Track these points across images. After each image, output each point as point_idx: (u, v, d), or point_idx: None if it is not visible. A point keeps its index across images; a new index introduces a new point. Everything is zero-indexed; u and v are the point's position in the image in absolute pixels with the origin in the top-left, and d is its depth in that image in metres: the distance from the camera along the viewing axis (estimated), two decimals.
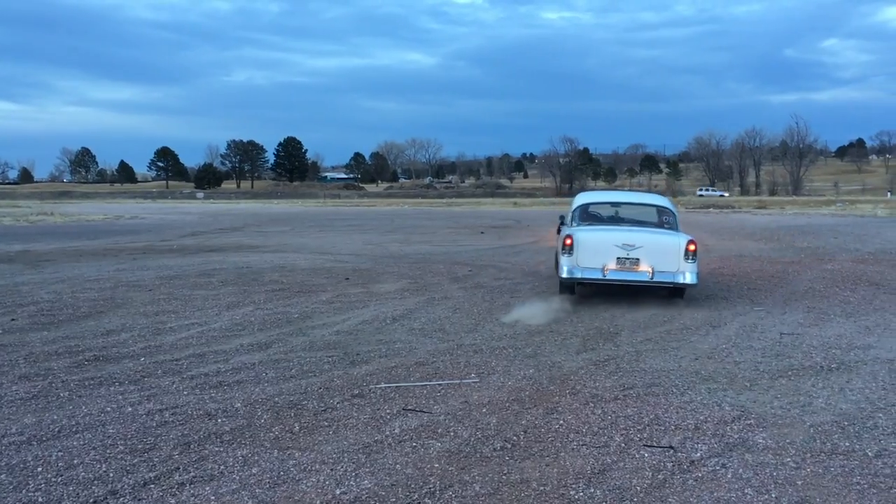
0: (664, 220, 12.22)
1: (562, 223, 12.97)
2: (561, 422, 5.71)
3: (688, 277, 10.74)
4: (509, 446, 5.21)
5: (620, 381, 6.83)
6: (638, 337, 8.77)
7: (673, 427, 5.59)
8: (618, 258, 10.78)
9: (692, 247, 10.83)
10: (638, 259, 10.76)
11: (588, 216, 12.37)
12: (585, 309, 10.57)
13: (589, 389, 6.58)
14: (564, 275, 11.00)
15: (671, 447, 5.15)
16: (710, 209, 51.44)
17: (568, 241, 11.02)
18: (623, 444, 5.22)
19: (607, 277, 10.80)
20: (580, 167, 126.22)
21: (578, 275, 10.92)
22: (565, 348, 8.22)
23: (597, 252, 10.88)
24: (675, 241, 11.02)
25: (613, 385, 6.71)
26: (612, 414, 5.89)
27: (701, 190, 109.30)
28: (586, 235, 11.21)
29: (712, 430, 5.49)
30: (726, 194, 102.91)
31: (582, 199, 12.95)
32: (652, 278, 10.72)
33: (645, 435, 5.42)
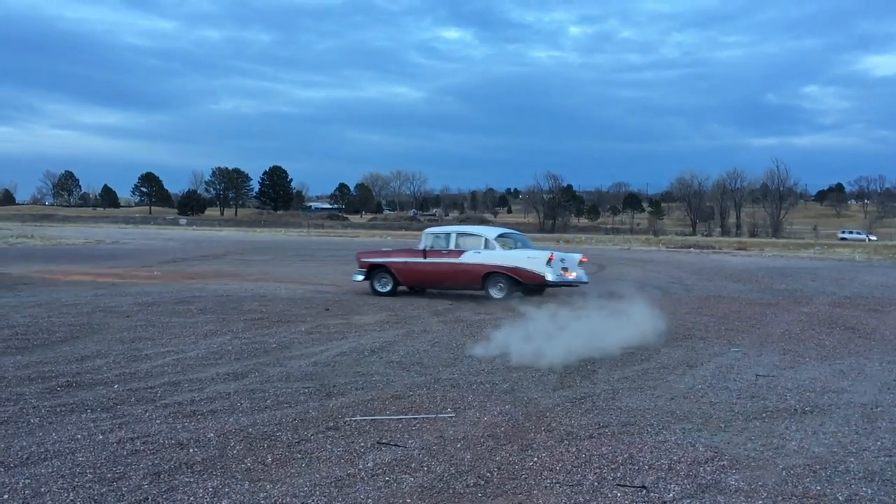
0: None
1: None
2: (535, 459, 5.70)
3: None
4: (482, 482, 5.19)
5: (596, 419, 6.83)
6: (615, 375, 8.80)
7: (647, 467, 5.59)
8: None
9: None
10: None
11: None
12: (562, 346, 10.57)
13: (564, 427, 6.58)
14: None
15: (644, 487, 5.15)
16: (691, 249, 51.86)
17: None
18: (596, 483, 5.22)
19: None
20: (564, 204, 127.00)
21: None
22: (542, 385, 8.22)
23: None
24: None
25: (589, 423, 6.71)
26: (587, 452, 5.89)
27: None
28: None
29: (685, 471, 5.50)
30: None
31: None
32: None
33: (618, 474, 5.42)
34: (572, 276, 16.82)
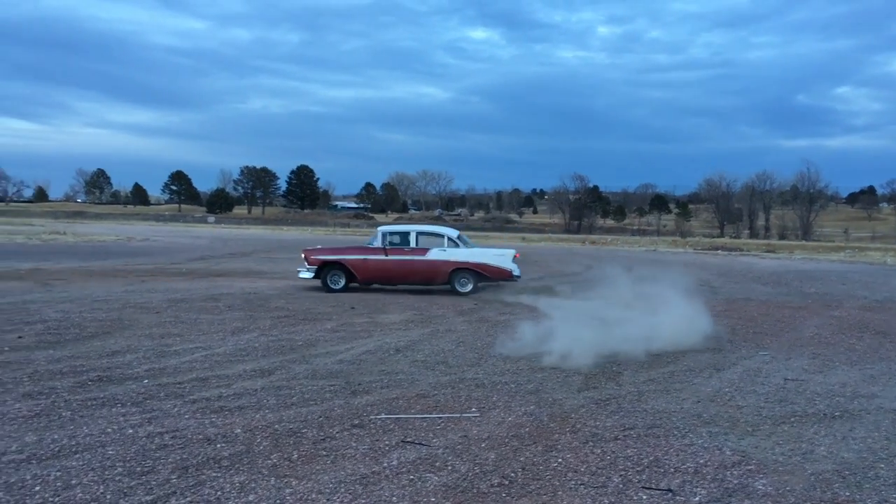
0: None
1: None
2: (559, 460, 5.69)
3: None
4: (506, 483, 5.19)
5: (621, 421, 6.81)
6: (641, 377, 8.75)
7: (672, 470, 5.56)
8: None
9: None
10: None
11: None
12: (588, 346, 10.53)
13: (589, 428, 6.56)
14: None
15: (670, 490, 5.13)
16: (719, 251, 51.34)
17: None
18: (621, 486, 5.20)
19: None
20: (589, 204, 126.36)
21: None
22: (567, 386, 8.20)
23: None
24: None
25: (614, 425, 6.69)
26: (612, 454, 5.87)
27: None
28: None
29: (712, 475, 5.46)
30: None
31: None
32: None
33: (644, 477, 5.39)
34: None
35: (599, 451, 5.94)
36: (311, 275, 17.80)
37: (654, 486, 5.19)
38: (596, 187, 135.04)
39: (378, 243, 17.78)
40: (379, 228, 18.59)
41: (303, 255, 18.24)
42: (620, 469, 5.53)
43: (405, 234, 17.89)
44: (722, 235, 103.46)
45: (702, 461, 5.76)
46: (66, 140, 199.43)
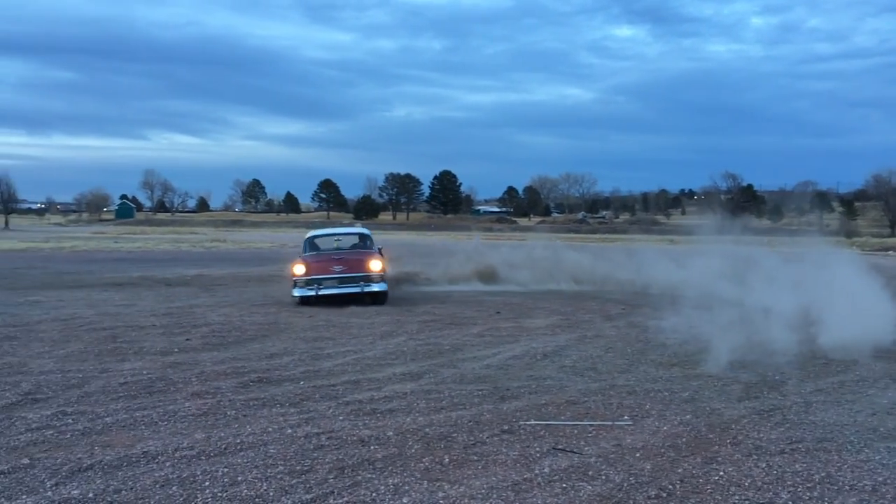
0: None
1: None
2: (721, 473, 5.41)
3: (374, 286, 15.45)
4: (664, 495, 4.99)
5: (787, 434, 6.39)
6: (807, 387, 8.20)
7: (847, 487, 5.16)
8: None
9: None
10: None
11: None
12: (749, 353, 10.02)
13: (752, 440, 6.21)
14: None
15: None
16: (890, 252, 47.71)
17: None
18: (790, 503, 4.87)
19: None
20: (743, 204, 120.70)
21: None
22: (726, 394, 7.81)
23: None
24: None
25: (779, 437, 6.29)
26: (778, 468, 5.52)
27: None
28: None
29: (893, 494, 5.02)
30: None
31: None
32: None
33: (815, 494, 5.03)
34: None
35: (764, 464, 5.59)
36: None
37: None
38: (750, 186, 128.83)
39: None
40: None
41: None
42: (789, 485, 5.18)
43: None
44: (893, 235, 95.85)
45: (880, 479, 5.31)
46: (226, 153, 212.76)
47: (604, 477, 5.31)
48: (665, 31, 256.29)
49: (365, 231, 18.74)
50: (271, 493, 4.91)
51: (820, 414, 7.06)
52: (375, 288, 15.45)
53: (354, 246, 17.63)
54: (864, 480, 5.28)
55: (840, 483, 5.24)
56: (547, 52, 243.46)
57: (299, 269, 15.39)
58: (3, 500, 4.78)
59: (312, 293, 15.10)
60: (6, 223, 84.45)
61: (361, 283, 15.38)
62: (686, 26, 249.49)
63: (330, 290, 15.24)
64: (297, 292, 15.24)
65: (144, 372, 8.44)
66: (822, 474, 5.40)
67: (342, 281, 15.34)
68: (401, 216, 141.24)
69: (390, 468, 5.44)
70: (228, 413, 6.86)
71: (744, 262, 18.36)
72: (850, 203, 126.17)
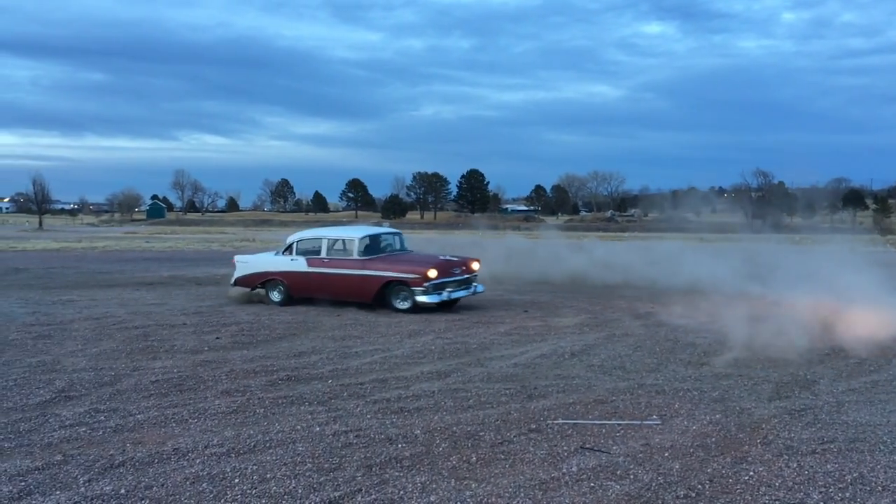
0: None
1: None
2: (751, 473, 5.36)
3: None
4: (693, 495, 4.95)
5: (819, 434, 6.31)
6: (839, 386, 8.09)
7: (880, 488, 5.08)
8: None
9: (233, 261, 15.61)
10: None
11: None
12: (776, 352, 9.90)
13: (783, 440, 6.13)
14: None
15: None
16: None
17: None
18: (822, 503, 4.81)
19: None
20: (774, 202, 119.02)
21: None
22: (756, 394, 7.73)
23: None
24: None
25: (811, 437, 6.21)
26: (810, 469, 5.45)
27: None
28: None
29: None
30: None
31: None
32: None
33: (847, 495, 4.96)
34: None
35: (795, 465, 5.53)
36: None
37: None
38: (781, 183, 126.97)
39: None
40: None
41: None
42: (820, 485, 5.12)
43: None
44: None
45: None
46: (255, 153, 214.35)
47: (632, 476, 5.28)
48: (695, 27, 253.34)
49: (397, 231, 17.90)
50: (300, 491, 4.95)
51: (852, 414, 6.96)
52: (480, 289, 14.94)
53: (401, 247, 16.00)
54: None
55: (873, 483, 5.16)
56: (575, 49, 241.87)
57: (433, 273, 13.70)
58: (37, 495, 4.87)
59: (442, 298, 13.76)
60: (40, 223, 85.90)
61: (472, 284, 14.76)
62: (716, 22, 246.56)
63: (454, 293, 14.13)
64: (426, 298, 13.59)
65: (175, 370, 8.54)
66: (855, 475, 5.33)
67: (460, 284, 14.38)
68: (428, 215, 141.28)
69: (418, 466, 5.46)
70: (258, 411, 6.92)
71: (771, 258, 18.17)
72: (884, 200, 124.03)
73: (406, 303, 13.94)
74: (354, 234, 14.95)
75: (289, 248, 15.10)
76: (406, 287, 13.93)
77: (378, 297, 14.10)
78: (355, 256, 14.30)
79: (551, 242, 30.99)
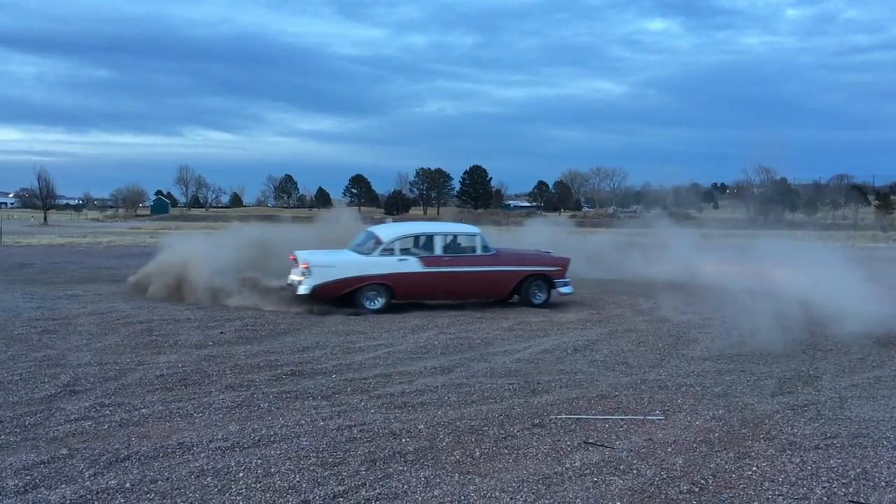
0: (367, 244, 13.82)
1: None
2: (754, 468, 5.37)
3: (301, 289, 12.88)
4: (696, 490, 4.96)
5: (822, 429, 6.32)
6: (842, 382, 8.10)
7: (884, 484, 5.09)
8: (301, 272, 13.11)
9: (305, 265, 12.97)
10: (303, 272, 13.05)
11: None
12: (780, 349, 9.91)
13: (786, 436, 6.15)
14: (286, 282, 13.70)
15: None
16: None
17: (292, 258, 13.70)
18: (825, 499, 4.83)
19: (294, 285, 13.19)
20: (776, 198, 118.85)
21: (289, 281, 13.56)
22: (758, 389, 7.74)
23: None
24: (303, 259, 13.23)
25: (814, 433, 6.22)
26: (813, 464, 5.46)
27: None
28: (297, 254, 13.62)
29: None
30: None
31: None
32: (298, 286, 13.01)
33: (850, 490, 4.97)
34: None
35: (798, 460, 5.54)
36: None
37: (863, 501, 4.77)
38: (784, 179, 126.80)
39: None
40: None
41: None
42: (823, 481, 5.13)
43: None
44: None
45: None
46: (259, 149, 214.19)
47: (635, 471, 5.30)
48: (698, 23, 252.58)
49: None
50: (304, 485, 4.97)
51: (855, 409, 6.97)
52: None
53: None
54: None
55: (876, 479, 5.18)
56: (578, 46, 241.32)
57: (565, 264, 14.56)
58: (43, 489, 4.89)
59: (572, 290, 14.53)
60: (45, 219, 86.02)
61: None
62: (719, 18, 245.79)
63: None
64: (564, 290, 14.27)
65: (180, 365, 8.57)
66: (858, 470, 5.34)
67: None
68: (431, 211, 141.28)
69: (421, 461, 5.48)
70: (262, 405, 6.95)
71: (774, 253, 18.18)
72: (887, 196, 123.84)
73: (542, 296, 14.20)
74: (467, 229, 14.67)
75: (388, 248, 13.37)
76: (546, 280, 14.23)
77: (512, 292, 14.19)
78: (479, 253, 13.94)
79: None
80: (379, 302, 13.18)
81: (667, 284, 17.57)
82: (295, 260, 13.61)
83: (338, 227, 19.96)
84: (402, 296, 13.42)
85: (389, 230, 14.23)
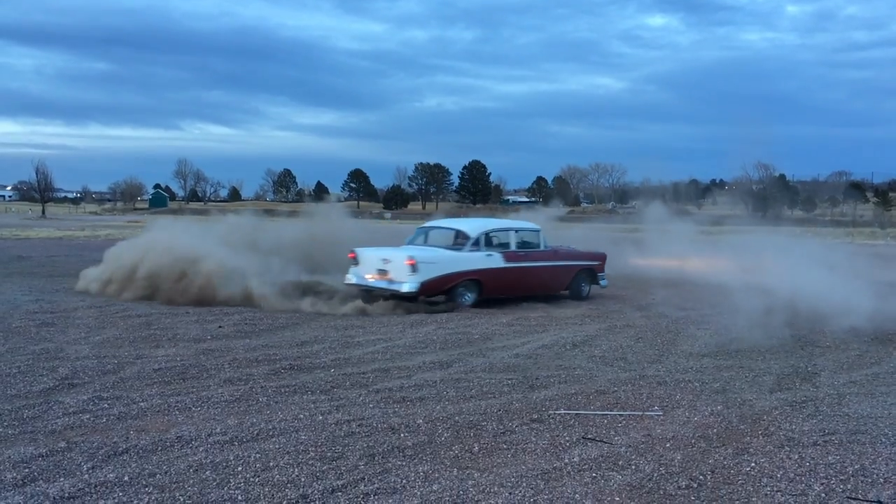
0: (452, 240, 13.78)
1: None
2: (752, 464, 5.37)
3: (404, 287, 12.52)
4: (695, 485, 4.97)
5: (820, 426, 6.33)
6: (840, 379, 8.11)
7: (882, 480, 5.10)
8: (377, 269, 12.92)
9: (410, 262, 12.47)
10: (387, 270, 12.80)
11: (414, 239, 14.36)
12: (778, 345, 9.92)
13: (784, 432, 6.15)
14: (346, 281, 13.41)
15: (880, 502, 4.70)
16: None
17: (352, 255, 13.48)
18: (823, 495, 4.83)
19: (369, 284, 13.00)
20: (775, 194, 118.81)
21: (354, 281, 13.27)
22: (757, 385, 7.75)
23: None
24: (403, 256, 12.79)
25: (812, 429, 6.23)
26: (811, 460, 5.46)
27: None
28: (364, 252, 13.48)
29: None
30: None
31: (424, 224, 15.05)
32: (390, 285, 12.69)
33: (849, 486, 4.98)
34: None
35: (797, 456, 5.55)
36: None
37: (861, 498, 4.78)
38: (782, 176, 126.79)
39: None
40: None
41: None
42: (822, 477, 5.13)
43: None
44: None
45: None
46: (258, 143, 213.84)
47: (634, 467, 5.30)
48: (698, 19, 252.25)
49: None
50: (303, 479, 4.97)
51: (853, 406, 6.98)
52: None
53: None
54: None
55: (874, 475, 5.18)
56: (579, 41, 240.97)
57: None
58: (41, 482, 4.89)
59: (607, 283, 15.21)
60: (43, 212, 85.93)
61: None
62: (720, 14, 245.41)
63: None
64: (603, 283, 14.98)
65: (178, 358, 8.56)
66: (856, 466, 5.34)
67: None
68: (430, 206, 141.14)
69: (420, 456, 5.48)
70: (260, 399, 6.94)
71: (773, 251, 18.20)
72: (885, 193, 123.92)
73: (587, 289, 14.84)
74: (532, 225, 14.78)
75: (476, 244, 13.29)
76: (591, 274, 14.78)
77: (567, 286, 14.58)
78: (542, 248, 14.17)
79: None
80: (469, 297, 13.16)
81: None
82: (355, 258, 13.38)
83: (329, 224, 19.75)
84: (489, 291, 13.36)
85: (472, 225, 14.20)
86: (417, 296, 12.66)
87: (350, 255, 13.56)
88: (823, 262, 16.57)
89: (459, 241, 13.55)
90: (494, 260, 13.31)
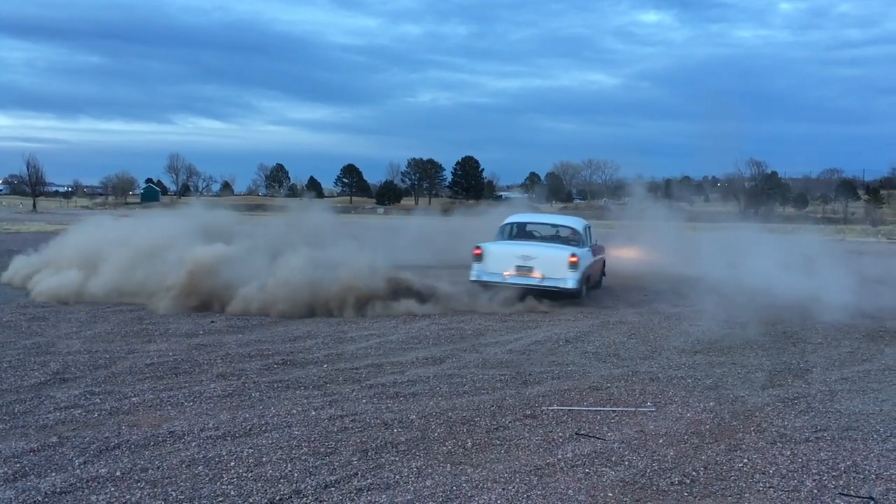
0: (565, 236, 13.98)
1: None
2: (745, 460, 5.39)
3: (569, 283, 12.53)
4: (688, 481, 4.98)
5: (812, 422, 6.35)
6: (832, 375, 8.14)
7: (873, 476, 5.12)
8: (517, 266, 12.67)
9: (574, 259, 12.60)
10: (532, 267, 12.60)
11: (508, 234, 14.21)
12: (770, 342, 9.95)
13: (776, 428, 6.17)
14: (472, 278, 12.99)
15: (872, 499, 4.72)
16: None
17: (477, 252, 13.02)
18: (815, 491, 4.85)
19: (507, 282, 12.65)
20: (767, 191, 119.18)
21: (484, 278, 12.83)
22: (749, 382, 7.77)
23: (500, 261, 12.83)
24: (563, 254, 12.81)
25: (804, 425, 6.25)
26: (803, 456, 5.49)
27: None
28: (495, 248, 13.11)
29: None
30: None
31: (509, 219, 14.71)
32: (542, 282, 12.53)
33: (840, 482, 5.00)
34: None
35: (789, 452, 5.57)
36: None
37: (853, 494, 4.80)
38: (774, 173, 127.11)
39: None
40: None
41: None
42: (814, 473, 5.15)
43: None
44: None
45: None
46: (251, 137, 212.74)
47: (626, 462, 5.31)
48: (692, 16, 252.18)
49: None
50: (296, 474, 4.96)
51: (845, 402, 7.01)
52: None
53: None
54: (890, 469, 5.24)
55: (866, 471, 5.20)
56: (573, 37, 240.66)
57: None
58: (32, 476, 4.86)
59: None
60: (34, 206, 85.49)
61: None
62: (713, 11, 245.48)
63: None
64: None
65: (170, 353, 8.53)
66: (848, 463, 5.37)
67: None
68: (423, 201, 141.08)
69: (413, 451, 5.47)
70: (253, 395, 6.92)
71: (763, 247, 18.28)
72: (876, 191, 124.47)
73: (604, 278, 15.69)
74: (587, 222, 15.06)
75: (584, 239, 13.80)
76: (603, 266, 15.70)
77: None
78: (594, 243, 14.92)
79: None
80: (584, 290, 13.54)
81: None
82: (480, 254, 13.02)
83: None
84: (589, 284, 13.94)
85: (573, 222, 14.75)
86: (580, 292, 13.02)
87: (475, 252, 13.11)
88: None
89: (574, 237, 13.87)
90: (590, 254, 14.02)
